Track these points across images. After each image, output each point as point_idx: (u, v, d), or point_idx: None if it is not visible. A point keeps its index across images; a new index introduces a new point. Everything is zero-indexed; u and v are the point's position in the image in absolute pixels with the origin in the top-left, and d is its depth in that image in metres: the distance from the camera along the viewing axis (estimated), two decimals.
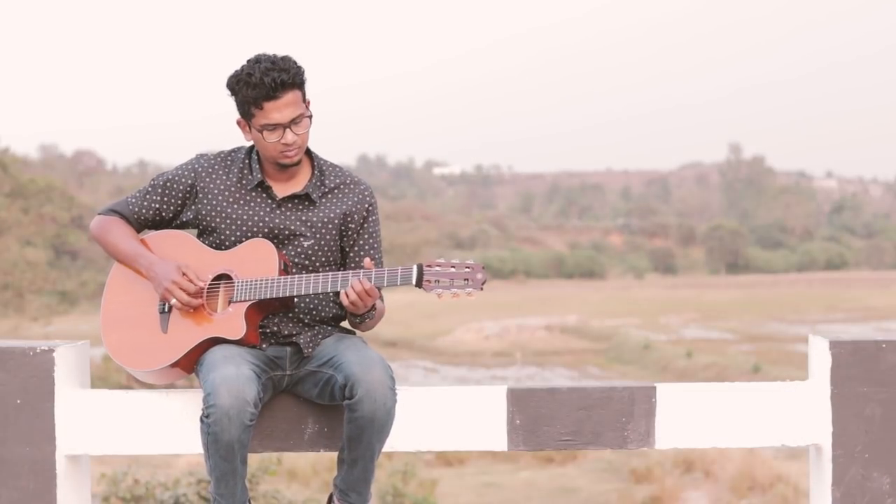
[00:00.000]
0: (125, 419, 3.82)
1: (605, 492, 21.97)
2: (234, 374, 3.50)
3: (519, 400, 3.83)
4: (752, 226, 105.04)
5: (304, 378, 3.76)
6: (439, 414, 3.83)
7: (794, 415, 3.84)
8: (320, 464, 21.46)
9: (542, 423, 3.83)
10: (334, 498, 3.74)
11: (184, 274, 3.68)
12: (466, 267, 3.64)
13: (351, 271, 3.67)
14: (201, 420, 3.51)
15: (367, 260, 3.68)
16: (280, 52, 3.73)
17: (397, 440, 3.79)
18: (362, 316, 3.76)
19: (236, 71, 3.71)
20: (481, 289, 3.64)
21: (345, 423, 3.60)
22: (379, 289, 3.66)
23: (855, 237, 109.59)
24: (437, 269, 3.63)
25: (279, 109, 3.67)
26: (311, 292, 3.65)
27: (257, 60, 3.68)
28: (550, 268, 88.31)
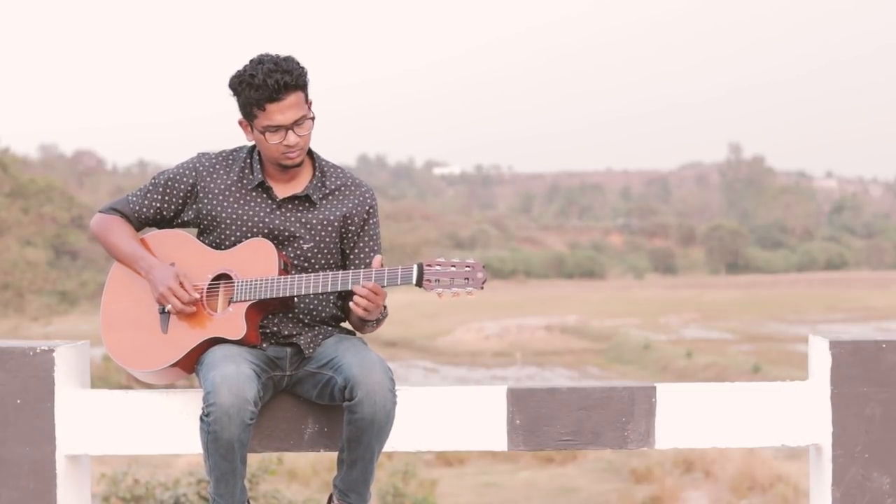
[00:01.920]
0: (125, 419, 3.82)
1: (605, 492, 21.98)
2: (234, 373, 3.50)
3: (519, 400, 3.83)
4: (752, 226, 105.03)
5: (303, 379, 3.75)
6: (439, 414, 3.83)
7: (794, 415, 3.84)
8: (320, 464, 21.46)
9: (542, 423, 3.83)
10: (334, 498, 3.74)
11: (181, 282, 3.68)
12: (467, 266, 3.64)
13: (350, 271, 3.66)
14: (201, 419, 3.51)
15: (376, 258, 3.68)
16: (282, 53, 3.71)
17: (397, 440, 3.79)
18: (375, 321, 3.75)
19: (238, 71, 3.69)
20: (482, 288, 3.64)
21: (344, 424, 3.60)
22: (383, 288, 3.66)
23: (855, 237, 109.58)
24: (438, 268, 3.62)
25: (282, 111, 3.66)
26: (310, 292, 3.65)
27: (260, 61, 3.66)
28: (550, 268, 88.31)
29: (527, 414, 3.83)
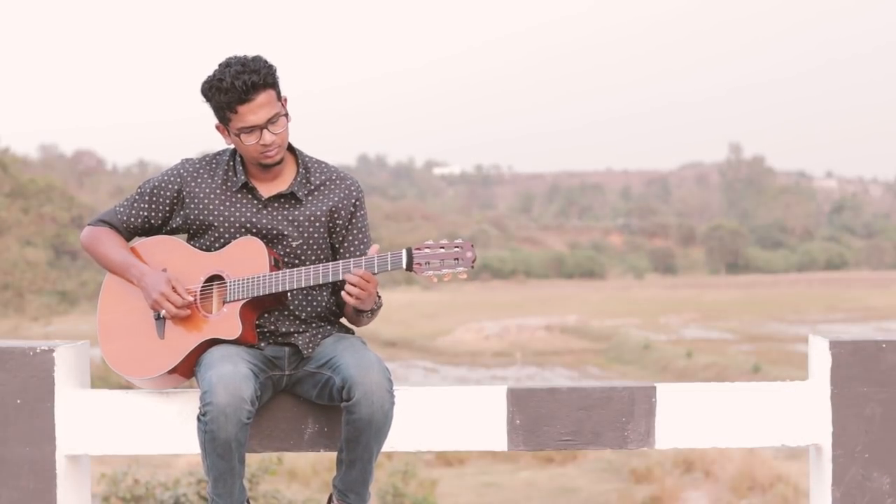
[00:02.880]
0: (125, 419, 3.82)
1: (605, 492, 21.98)
2: (231, 372, 3.50)
3: (519, 400, 3.83)
4: (752, 226, 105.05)
5: (302, 379, 3.76)
6: (439, 414, 3.83)
7: (794, 415, 3.84)
8: (320, 464, 21.46)
9: (542, 423, 3.83)
10: (333, 498, 3.74)
11: (173, 287, 3.69)
12: (456, 246, 3.63)
13: (341, 261, 3.66)
14: (198, 419, 3.51)
15: (373, 247, 3.68)
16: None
17: (397, 440, 3.79)
18: (371, 311, 3.74)
19: (208, 77, 3.70)
20: (472, 266, 3.64)
21: (343, 424, 3.60)
22: (374, 275, 3.65)
23: (855, 237, 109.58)
24: (427, 250, 3.62)
25: (253, 111, 3.66)
26: (303, 286, 3.65)
27: (227, 64, 3.67)
28: (550, 268, 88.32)
29: (527, 414, 3.82)
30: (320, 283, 3.65)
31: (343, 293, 3.64)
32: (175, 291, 3.68)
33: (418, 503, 17.10)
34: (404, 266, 3.61)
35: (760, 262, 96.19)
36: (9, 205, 35.26)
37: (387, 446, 3.71)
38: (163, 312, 3.69)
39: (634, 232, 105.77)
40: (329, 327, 3.85)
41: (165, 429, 3.81)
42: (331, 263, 3.66)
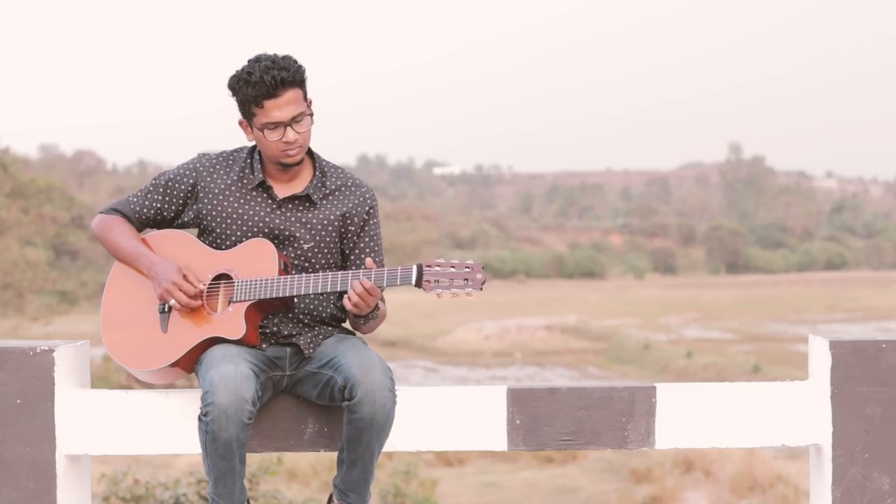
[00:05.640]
0: (125, 419, 3.82)
1: (605, 492, 22.00)
2: (233, 373, 3.50)
3: (519, 400, 3.83)
4: (752, 226, 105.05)
5: (303, 379, 3.76)
6: (439, 414, 3.83)
7: (794, 415, 3.84)
8: (320, 464, 21.48)
9: (542, 423, 3.83)
10: (334, 498, 3.75)
11: (184, 276, 3.69)
12: (466, 267, 3.65)
13: (350, 271, 3.67)
14: (199, 419, 3.51)
15: (368, 260, 3.68)
16: (279, 50, 3.74)
17: (398, 440, 3.79)
18: (366, 317, 3.75)
19: (237, 71, 3.72)
20: (481, 289, 3.65)
21: (344, 423, 3.60)
22: (381, 289, 3.66)
23: (855, 237, 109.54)
24: (437, 269, 3.63)
25: (280, 107, 3.67)
26: (310, 292, 3.66)
27: (257, 59, 3.70)
28: (550, 268, 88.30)
29: (527, 414, 3.83)
30: (328, 291, 3.66)
31: (344, 298, 3.65)
32: (186, 280, 3.69)
33: (419, 503, 17.11)
34: (413, 282, 3.62)
35: (760, 262, 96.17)
36: (9, 205, 35.20)
37: (387, 446, 3.72)
38: (171, 303, 3.69)
39: (634, 232, 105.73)
40: (330, 329, 3.85)
41: (165, 429, 3.81)
42: (340, 273, 3.66)
